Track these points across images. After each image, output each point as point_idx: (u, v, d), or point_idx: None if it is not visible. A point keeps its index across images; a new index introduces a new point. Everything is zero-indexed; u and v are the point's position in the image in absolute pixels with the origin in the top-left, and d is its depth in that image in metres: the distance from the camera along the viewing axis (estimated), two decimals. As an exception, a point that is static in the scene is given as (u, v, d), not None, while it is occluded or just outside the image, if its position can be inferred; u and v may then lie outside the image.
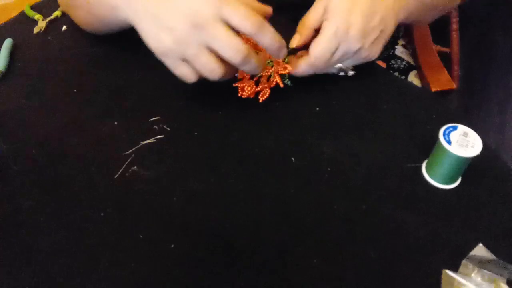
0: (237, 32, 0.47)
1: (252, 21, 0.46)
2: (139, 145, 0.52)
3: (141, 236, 0.44)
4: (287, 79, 0.57)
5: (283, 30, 0.50)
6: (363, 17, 0.51)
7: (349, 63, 0.56)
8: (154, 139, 0.53)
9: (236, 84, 0.55)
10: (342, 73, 0.58)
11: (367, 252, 0.43)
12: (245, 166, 0.50)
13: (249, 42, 0.51)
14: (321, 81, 0.58)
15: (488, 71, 1.12)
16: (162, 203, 0.47)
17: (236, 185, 0.49)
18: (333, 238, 0.44)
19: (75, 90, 0.59)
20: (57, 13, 0.71)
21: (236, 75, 0.55)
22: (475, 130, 0.46)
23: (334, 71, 0.58)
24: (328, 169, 0.50)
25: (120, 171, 0.49)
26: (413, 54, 0.98)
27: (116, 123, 0.55)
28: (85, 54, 0.65)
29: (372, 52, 0.55)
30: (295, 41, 0.55)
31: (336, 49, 0.53)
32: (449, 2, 0.74)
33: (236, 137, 0.53)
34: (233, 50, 0.46)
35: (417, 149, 0.52)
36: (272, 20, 0.50)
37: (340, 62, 0.55)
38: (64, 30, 0.69)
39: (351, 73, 0.58)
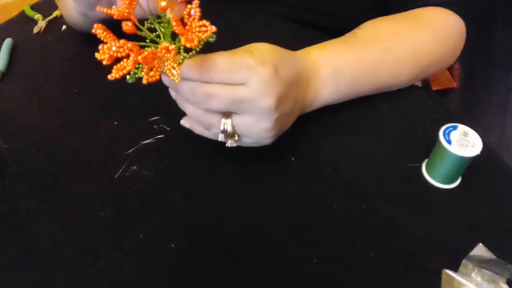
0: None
1: None
2: (139, 145, 0.52)
3: (141, 236, 0.44)
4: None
5: (302, 35, 0.50)
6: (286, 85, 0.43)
7: (244, 139, 0.45)
8: (154, 139, 0.53)
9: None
10: (221, 139, 0.45)
11: (367, 252, 0.43)
12: (245, 166, 0.50)
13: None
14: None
15: (488, 71, 1.12)
16: (162, 203, 0.47)
17: (236, 185, 0.49)
18: (333, 238, 0.44)
19: (75, 90, 0.59)
20: (57, 12, 0.71)
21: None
22: (475, 130, 0.46)
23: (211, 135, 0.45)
24: (328, 169, 0.50)
25: (120, 171, 0.49)
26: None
27: (116, 123, 0.55)
28: (85, 54, 0.65)
29: (274, 134, 0.45)
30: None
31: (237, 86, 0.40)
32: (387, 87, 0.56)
33: (236, 137, 0.53)
34: None
35: (417, 149, 0.52)
36: (289, 25, 0.48)
37: (226, 119, 0.42)
38: (64, 30, 0.69)
39: (231, 142, 0.45)
